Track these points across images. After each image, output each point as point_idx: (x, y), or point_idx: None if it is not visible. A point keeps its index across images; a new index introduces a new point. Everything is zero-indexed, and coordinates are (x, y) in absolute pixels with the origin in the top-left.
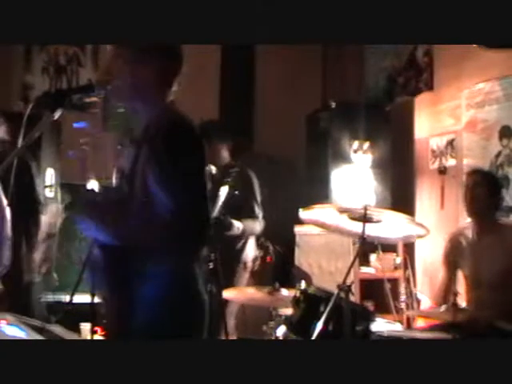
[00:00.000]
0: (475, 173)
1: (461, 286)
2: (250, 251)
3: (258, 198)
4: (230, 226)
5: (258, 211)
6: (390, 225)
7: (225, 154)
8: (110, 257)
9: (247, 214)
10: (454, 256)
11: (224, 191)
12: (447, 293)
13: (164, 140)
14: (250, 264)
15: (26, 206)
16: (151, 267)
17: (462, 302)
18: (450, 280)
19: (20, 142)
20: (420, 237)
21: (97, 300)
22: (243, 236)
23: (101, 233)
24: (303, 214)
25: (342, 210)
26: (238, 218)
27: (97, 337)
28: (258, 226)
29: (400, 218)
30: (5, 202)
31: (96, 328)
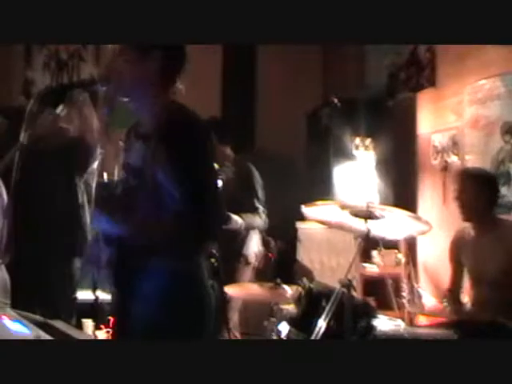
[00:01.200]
0: (464, 173)
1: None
2: (252, 246)
3: (259, 191)
4: (228, 219)
5: (258, 205)
6: (392, 221)
7: (227, 152)
8: (117, 252)
9: (247, 207)
10: (458, 255)
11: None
12: (456, 290)
13: (174, 135)
14: (251, 259)
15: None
16: (160, 262)
17: (465, 298)
18: (458, 278)
19: (21, 137)
20: (423, 233)
21: (99, 296)
22: (243, 230)
23: (113, 226)
24: (305, 210)
25: (344, 207)
26: (238, 212)
27: (101, 333)
28: (258, 219)
29: (402, 214)
30: (5, 195)
31: (101, 325)
